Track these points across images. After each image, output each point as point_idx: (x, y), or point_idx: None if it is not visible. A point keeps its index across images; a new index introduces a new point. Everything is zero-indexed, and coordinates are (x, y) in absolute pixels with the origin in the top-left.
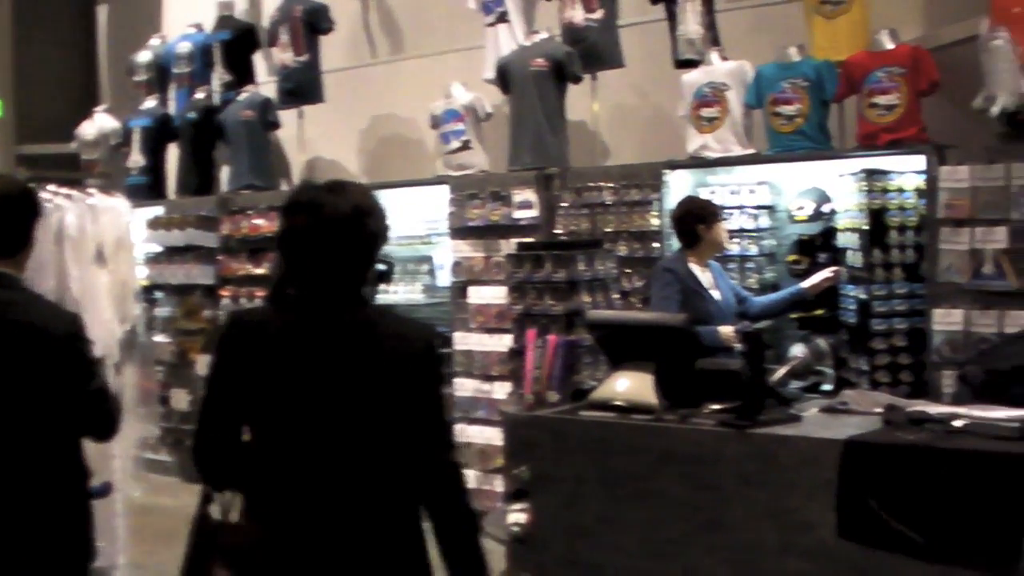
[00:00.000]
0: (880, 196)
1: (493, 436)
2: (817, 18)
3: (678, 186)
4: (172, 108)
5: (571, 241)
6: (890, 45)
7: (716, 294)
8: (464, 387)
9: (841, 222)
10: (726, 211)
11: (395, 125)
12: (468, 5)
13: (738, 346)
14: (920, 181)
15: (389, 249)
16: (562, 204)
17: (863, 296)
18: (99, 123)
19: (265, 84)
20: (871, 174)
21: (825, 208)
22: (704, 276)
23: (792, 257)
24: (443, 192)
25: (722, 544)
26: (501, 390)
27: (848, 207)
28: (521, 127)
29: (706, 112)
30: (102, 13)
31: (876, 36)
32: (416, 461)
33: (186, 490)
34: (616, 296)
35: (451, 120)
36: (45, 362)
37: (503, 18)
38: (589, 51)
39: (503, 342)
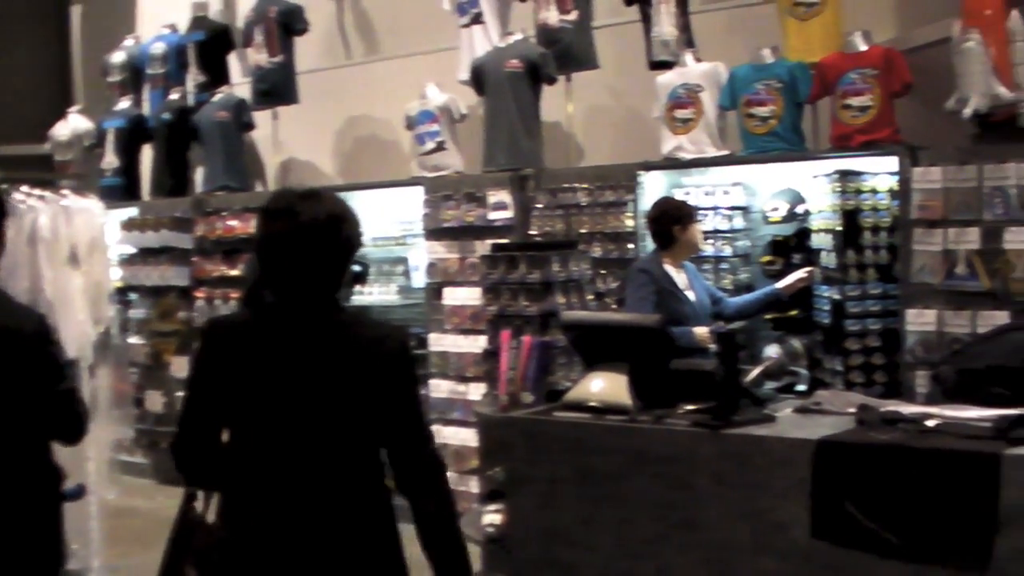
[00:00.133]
0: (854, 197)
1: (468, 437)
2: (791, 20)
3: (652, 187)
4: (146, 109)
5: (545, 242)
6: (863, 47)
7: (691, 295)
8: (439, 388)
9: (815, 223)
10: (700, 212)
11: (370, 126)
12: (443, 6)
13: (713, 347)
14: (893, 182)
15: (364, 250)
16: (537, 205)
17: (837, 297)
18: (73, 124)
19: (240, 85)
20: (845, 175)
21: (799, 209)
22: (679, 277)
23: (766, 258)
24: (418, 193)
25: (696, 544)
26: (476, 391)
27: (822, 208)
28: (496, 128)
29: (680, 113)
30: (76, 14)
31: (849, 38)
32: (397, 458)
33: (161, 492)
34: (591, 297)
35: (426, 121)
36: (13, 363)
37: (478, 19)
38: (564, 52)
39: (478, 343)
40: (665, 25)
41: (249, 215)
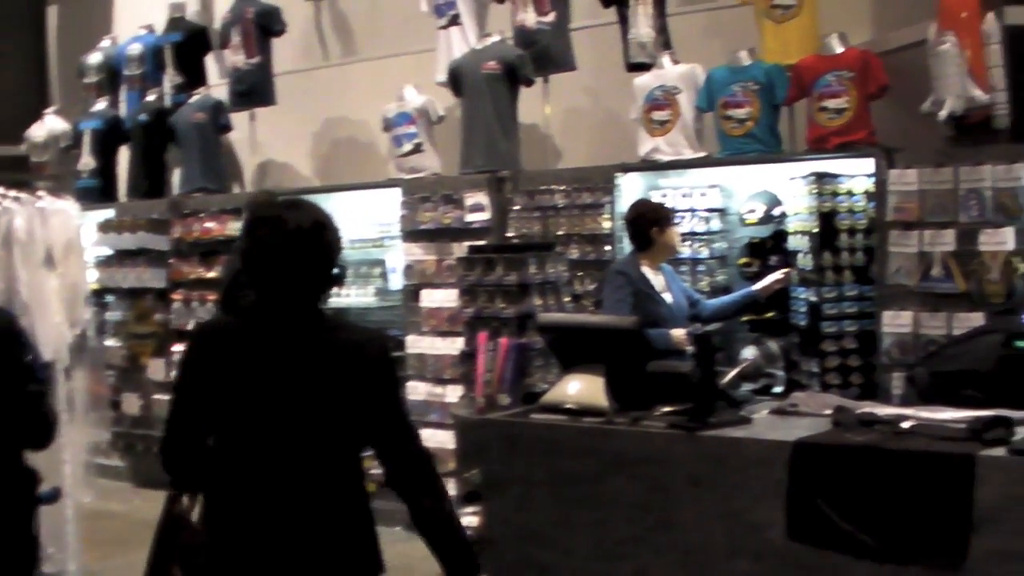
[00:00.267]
0: (830, 199)
1: (445, 439)
2: (767, 22)
3: (630, 189)
4: (123, 110)
5: (522, 244)
6: (839, 49)
7: (668, 297)
8: (417, 390)
9: (791, 225)
10: (678, 214)
11: (347, 128)
12: (420, 8)
13: (690, 349)
14: (869, 184)
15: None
16: (514, 207)
17: (813, 299)
18: (49, 125)
19: (217, 86)
20: (821, 177)
21: (776, 211)
22: (656, 279)
23: (743, 260)
24: (395, 195)
25: (672, 545)
26: (453, 393)
27: (798, 210)
28: (473, 130)
29: (657, 115)
30: (52, 14)
31: (826, 40)
32: (389, 459)
33: (137, 495)
34: (567, 299)
35: (403, 123)
36: None
37: (455, 21)
38: (541, 54)
39: (455, 345)
40: (642, 27)
41: (226, 217)
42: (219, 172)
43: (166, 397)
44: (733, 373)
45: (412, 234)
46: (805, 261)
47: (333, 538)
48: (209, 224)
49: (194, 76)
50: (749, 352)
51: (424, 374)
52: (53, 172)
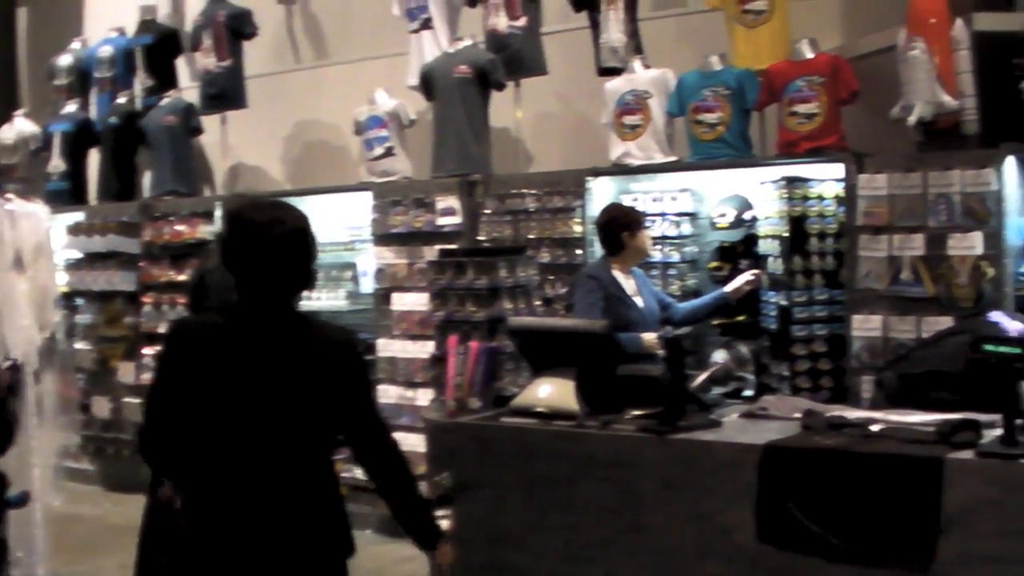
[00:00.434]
0: (800, 203)
1: (417, 443)
2: (738, 27)
3: (601, 193)
4: (93, 113)
5: (493, 248)
6: (810, 54)
7: (639, 301)
8: (388, 394)
9: (762, 229)
10: (649, 218)
11: (319, 131)
12: (392, 11)
13: (661, 353)
14: (839, 189)
15: None
16: (485, 211)
17: (784, 302)
18: (18, 127)
19: (188, 89)
20: (791, 182)
21: (746, 215)
22: (627, 283)
23: (714, 264)
24: (366, 199)
25: (643, 549)
26: (425, 397)
27: (769, 214)
28: (445, 134)
29: (629, 120)
30: (22, 16)
31: (796, 45)
32: (363, 449)
33: (107, 499)
34: (538, 303)
35: (375, 126)
36: None
37: (427, 25)
38: (513, 58)
39: (426, 349)
40: (614, 32)
41: (197, 220)
42: (190, 175)
43: (136, 400)
44: (703, 377)
45: (383, 238)
46: (776, 265)
47: (309, 523)
48: (180, 227)
49: (165, 79)
50: (719, 356)
51: (395, 377)
52: (22, 175)
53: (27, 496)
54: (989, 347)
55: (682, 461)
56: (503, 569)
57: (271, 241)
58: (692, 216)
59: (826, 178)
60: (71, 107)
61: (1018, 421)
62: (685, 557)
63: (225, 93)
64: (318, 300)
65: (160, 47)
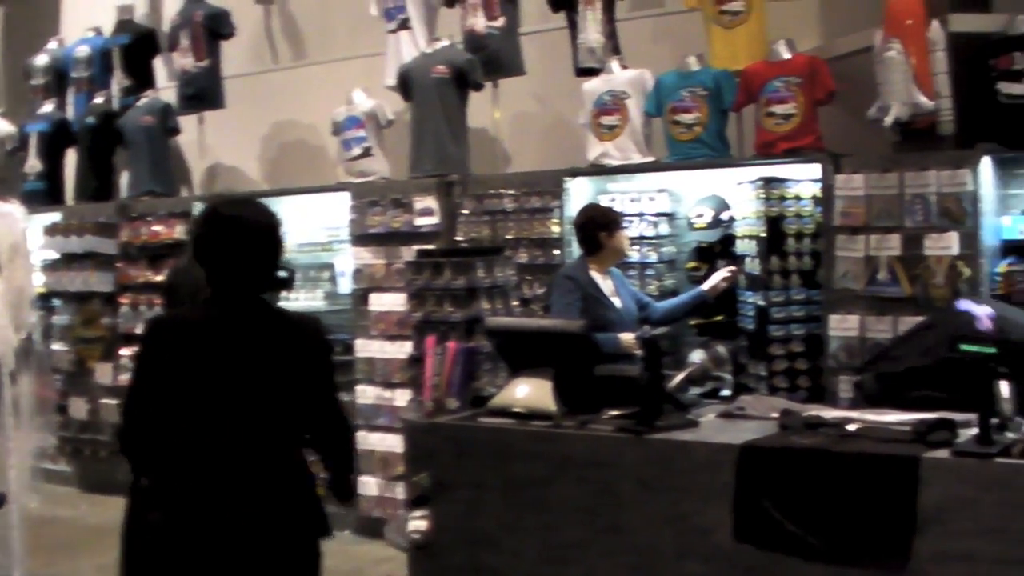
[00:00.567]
0: (777, 204)
1: (395, 444)
2: (716, 28)
3: (578, 193)
4: (70, 113)
5: (470, 248)
6: (787, 55)
7: (617, 301)
8: (365, 394)
9: (739, 229)
10: (626, 219)
11: (296, 131)
12: (370, 12)
13: (639, 353)
14: (816, 189)
15: (290, 256)
16: (463, 211)
17: (761, 303)
18: None
19: (165, 89)
20: (768, 182)
21: (724, 216)
22: (605, 284)
23: (691, 264)
24: (344, 199)
25: (621, 549)
26: (403, 397)
27: (746, 215)
28: (422, 134)
29: (606, 120)
30: None
31: (773, 46)
32: (323, 436)
33: (84, 501)
34: (516, 303)
35: (352, 127)
36: None
37: (405, 25)
38: (490, 59)
39: (404, 349)
40: (591, 32)
41: (174, 220)
42: (167, 175)
43: (114, 402)
44: (681, 377)
45: (361, 238)
46: (753, 265)
47: (285, 505)
48: (157, 228)
49: (142, 79)
50: (697, 356)
51: (373, 378)
52: None
53: (4, 498)
54: (965, 347)
55: (659, 461)
56: (480, 570)
57: (244, 235)
58: (670, 216)
59: (803, 178)
60: (48, 107)
61: (993, 420)
62: (663, 557)
63: (203, 93)
64: (296, 301)
65: (137, 47)
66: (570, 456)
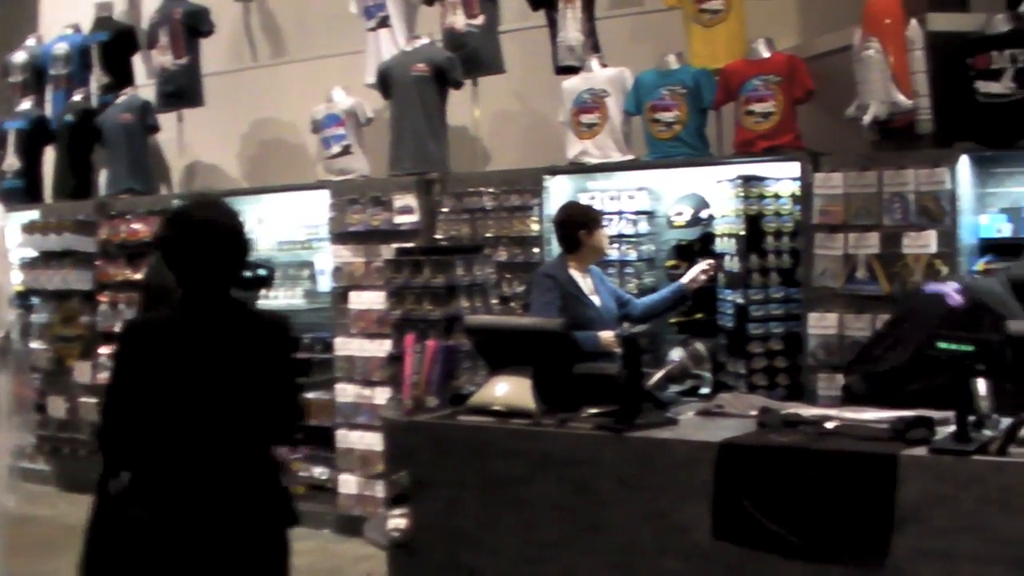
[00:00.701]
0: (757, 202)
1: (374, 442)
2: (695, 26)
3: (558, 192)
4: (49, 110)
5: (449, 246)
6: (766, 54)
7: (596, 299)
8: (345, 393)
9: (719, 228)
10: (606, 217)
11: (276, 129)
12: (350, 9)
13: (619, 351)
14: (795, 187)
15: (269, 254)
16: (443, 209)
17: (740, 301)
18: None
19: (144, 87)
20: (748, 180)
21: (703, 214)
22: (584, 282)
23: (671, 262)
24: (324, 197)
25: (600, 546)
26: (382, 396)
27: (725, 213)
28: (402, 132)
29: (586, 118)
30: None
31: (753, 45)
32: (274, 414)
33: (63, 500)
34: (495, 301)
35: (332, 125)
36: None
37: (384, 23)
38: (470, 57)
39: (384, 347)
40: (571, 30)
41: (154, 218)
42: (146, 173)
43: (93, 400)
44: (660, 375)
45: (341, 236)
46: (732, 263)
47: (256, 496)
48: (136, 226)
49: (121, 76)
50: (676, 354)
51: (352, 376)
52: None
53: None
54: (943, 345)
55: (639, 459)
56: (460, 568)
57: (211, 237)
58: (649, 214)
59: (782, 177)
60: (26, 104)
61: (971, 418)
62: (642, 555)
63: (182, 91)
64: (275, 299)
65: (116, 44)
66: (549, 454)
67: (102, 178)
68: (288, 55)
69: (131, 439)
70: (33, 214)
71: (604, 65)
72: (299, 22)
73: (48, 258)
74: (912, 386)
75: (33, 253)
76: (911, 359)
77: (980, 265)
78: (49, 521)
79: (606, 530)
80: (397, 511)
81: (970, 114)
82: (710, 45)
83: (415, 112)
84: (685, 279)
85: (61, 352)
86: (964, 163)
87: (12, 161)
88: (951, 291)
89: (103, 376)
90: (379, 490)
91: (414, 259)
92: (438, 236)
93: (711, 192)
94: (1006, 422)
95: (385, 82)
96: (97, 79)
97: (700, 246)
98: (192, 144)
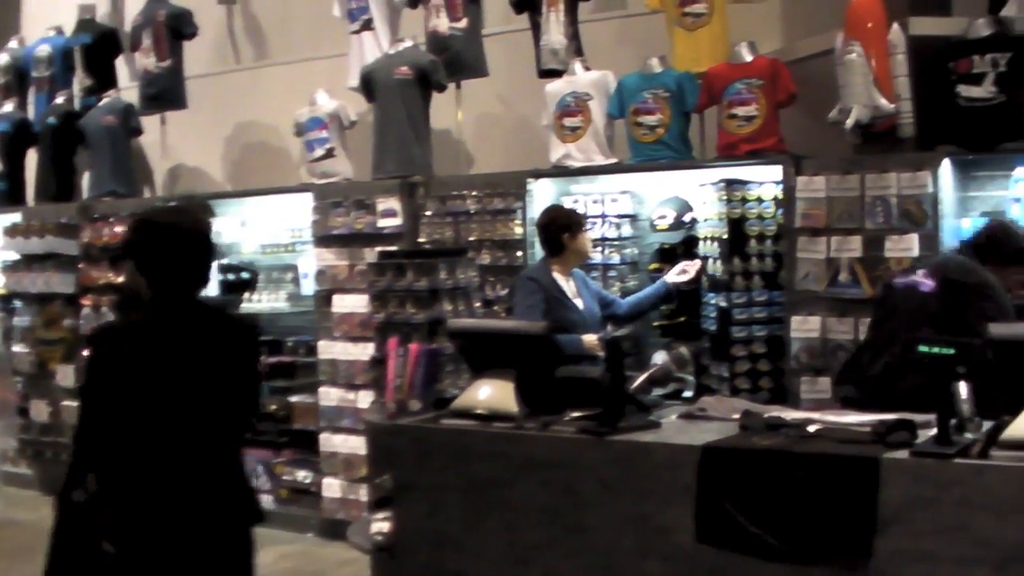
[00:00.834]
0: (739, 205)
1: (357, 445)
2: (678, 30)
3: (541, 195)
4: (31, 112)
5: (432, 250)
6: (749, 57)
7: (579, 303)
8: (328, 396)
9: (702, 231)
10: (589, 220)
11: (259, 132)
12: (333, 12)
13: (601, 354)
14: (778, 191)
15: (253, 258)
16: (426, 212)
17: (723, 304)
18: None
19: (127, 89)
20: (730, 184)
21: (686, 217)
22: (568, 285)
23: (654, 266)
24: (307, 200)
25: (583, 549)
26: (365, 399)
27: (708, 216)
28: (385, 135)
29: (569, 122)
30: None
31: (736, 48)
32: (240, 415)
33: (46, 504)
34: (478, 305)
35: (315, 128)
36: None
37: (368, 26)
38: (454, 60)
39: (367, 351)
40: (554, 34)
41: None
42: (129, 176)
43: (75, 403)
44: (643, 378)
45: (324, 239)
46: (715, 267)
47: (226, 495)
48: (119, 229)
49: (104, 79)
50: (659, 357)
51: (336, 379)
52: None
53: None
54: (924, 348)
55: (621, 462)
56: (443, 571)
57: (178, 240)
58: (632, 218)
59: (765, 180)
60: (8, 107)
61: (953, 421)
62: (624, 557)
63: (165, 93)
64: (259, 302)
65: (99, 46)
66: (532, 457)
67: (85, 181)
68: (271, 58)
69: (104, 442)
70: (15, 217)
71: (587, 68)
72: (282, 25)
73: (30, 261)
74: (905, 383)
75: (15, 256)
76: (900, 357)
77: None
78: (32, 525)
79: (589, 533)
80: (380, 514)
81: (952, 118)
82: (693, 49)
83: (398, 115)
84: (668, 277)
85: (44, 355)
86: (946, 167)
87: None
88: (921, 278)
89: None
90: (363, 494)
91: (397, 262)
92: (421, 239)
93: (694, 195)
94: (988, 424)
95: (368, 85)
96: (80, 81)
97: (683, 249)
98: (175, 147)
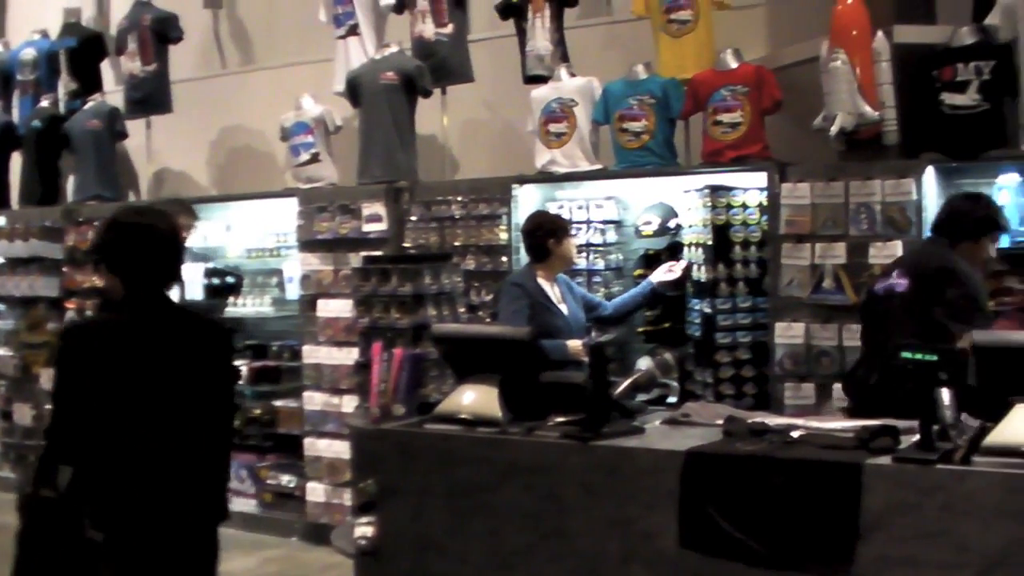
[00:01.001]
0: (724, 212)
1: (341, 450)
2: (664, 37)
3: (526, 201)
4: (16, 116)
5: (417, 255)
6: (734, 64)
7: (564, 308)
8: (313, 400)
9: (686, 237)
10: (574, 226)
11: (244, 136)
12: (319, 17)
13: (586, 359)
14: (763, 197)
15: (238, 262)
16: (411, 218)
17: (708, 310)
18: None
19: (113, 93)
20: (715, 190)
21: (671, 223)
22: (553, 291)
23: (639, 271)
24: (292, 205)
25: (566, 554)
26: (350, 403)
27: (693, 222)
28: (371, 140)
29: (554, 127)
30: None
31: (721, 55)
32: (211, 414)
33: None
34: (463, 310)
35: (301, 132)
36: None
37: (354, 31)
38: (439, 65)
39: (352, 355)
40: (540, 40)
41: None
42: (114, 180)
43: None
44: (627, 383)
45: (309, 244)
46: (700, 273)
47: (199, 491)
48: None
49: (89, 82)
50: (644, 362)
51: (320, 384)
52: None
53: None
54: (907, 355)
55: (605, 467)
56: (427, 575)
57: (145, 240)
58: (617, 224)
59: (749, 187)
60: None
61: (935, 427)
62: (608, 563)
63: (150, 97)
64: (243, 307)
65: (84, 50)
66: (516, 462)
67: (70, 184)
68: (257, 63)
69: (75, 436)
70: (0, 220)
71: (573, 75)
72: (268, 30)
73: (15, 264)
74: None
75: (0, 260)
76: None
77: None
78: (14, 529)
79: (572, 537)
80: (364, 519)
81: (936, 125)
82: (678, 55)
83: (384, 120)
84: (655, 276)
85: (27, 359)
86: (930, 174)
87: None
88: (896, 279)
89: None
90: (347, 498)
91: (382, 267)
92: (406, 244)
93: (679, 202)
94: (971, 429)
95: (354, 90)
96: (65, 85)
97: (668, 255)
98: (160, 151)
